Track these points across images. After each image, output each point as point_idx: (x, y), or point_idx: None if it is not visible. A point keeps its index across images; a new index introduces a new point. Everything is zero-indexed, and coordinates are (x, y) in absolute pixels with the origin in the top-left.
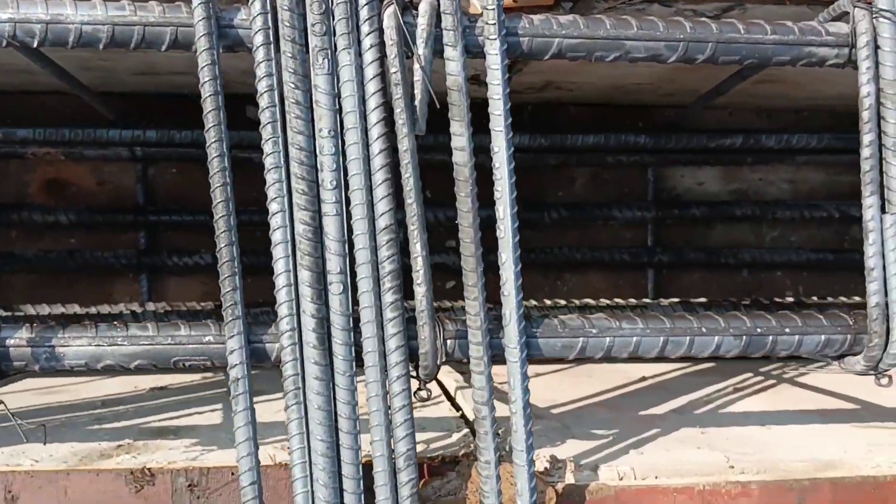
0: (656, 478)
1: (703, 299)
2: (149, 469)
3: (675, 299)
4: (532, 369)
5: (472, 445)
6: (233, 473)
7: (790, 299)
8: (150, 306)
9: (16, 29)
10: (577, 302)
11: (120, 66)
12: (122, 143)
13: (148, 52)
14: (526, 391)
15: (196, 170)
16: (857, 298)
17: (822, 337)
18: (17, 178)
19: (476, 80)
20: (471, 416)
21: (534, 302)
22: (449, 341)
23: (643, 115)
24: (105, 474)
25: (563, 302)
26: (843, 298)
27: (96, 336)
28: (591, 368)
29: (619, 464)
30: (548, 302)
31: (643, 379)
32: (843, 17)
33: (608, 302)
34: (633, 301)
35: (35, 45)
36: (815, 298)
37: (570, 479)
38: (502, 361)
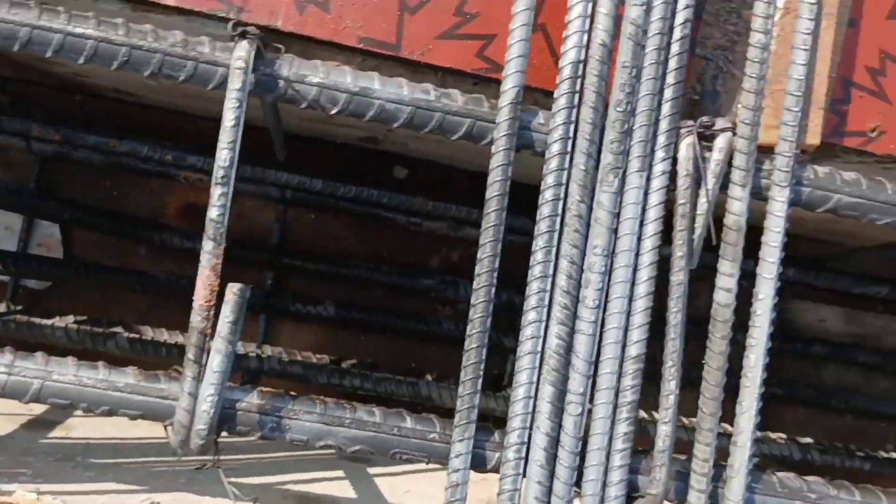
0: None
1: (809, 439)
2: None
3: (782, 435)
4: None
5: None
6: None
7: (894, 454)
8: (267, 349)
9: (321, 94)
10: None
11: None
12: (276, 184)
13: None
14: None
15: (332, 219)
16: None
17: None
18: (158, 196)
19: None
20: None
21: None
22: None
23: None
24: None
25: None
26: None
27: (325, 414)
28: None
29: None
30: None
31: None
32: None
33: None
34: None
35: (348, 113)
36: None
37: None
38: None
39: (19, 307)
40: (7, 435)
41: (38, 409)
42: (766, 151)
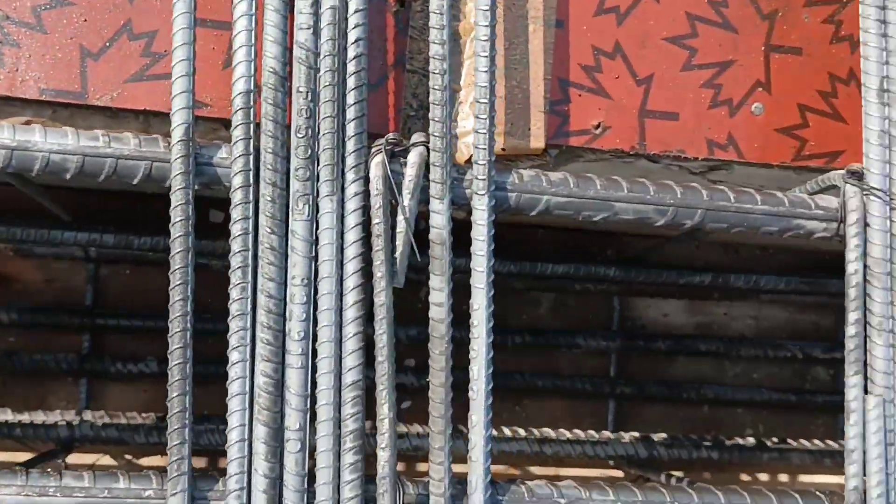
0: None
1: (663, 435)
2: None
3: (635, 433)
4: None
5: None
6: None
7: (751, 439)
8: (88, 415)
9: None
10: (536, 433)
11: None
12: (77, 244)
13: None
14: None
15: (151, 272)
16: (816, 441)
17: None
18: None
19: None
20: None
21: (493, 431)
22: None
23: (613, 243)
24: None
25: (522, 432)
26: (803, 441)
27: (26, 485)
28: None
29: None
30: (506, 430)
31: None
32: (830, 189)
33: (569, 435)
34: (593, 434)
35: (12, 170)
36: (775, 439)
37: None
38: None
39: None
40: None
41: None
42: (500, 160)
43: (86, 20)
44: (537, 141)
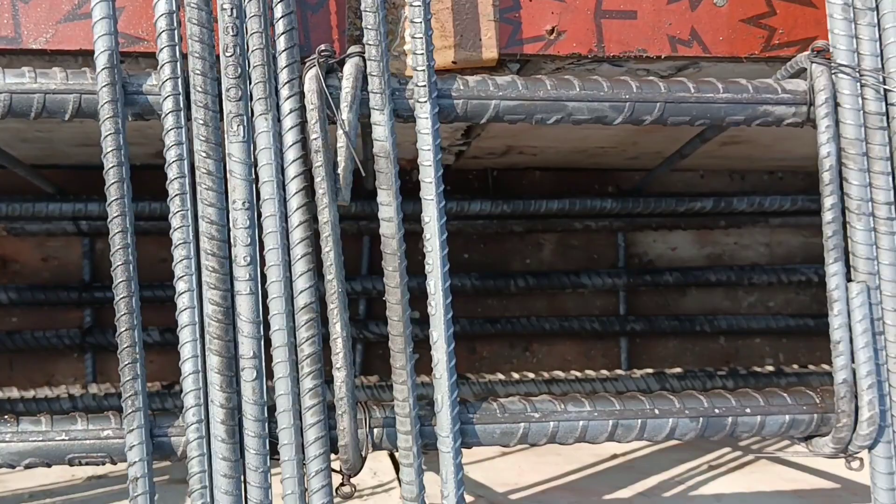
0: None
1: (678, 369)
2: None
3: (649, 370)
4: (497, 449)
5: None
6: None
7: (770, 367)
8: (94, 388)
9: None
10: (545, 375)
11: (56, 136)
12: (64, 217)
13: (84, 123)
14: (460, 484)
15: (145, 241)
16: None
17: (787, 417)
18: None
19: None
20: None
21: (500, 375)
22: (376, 430)
23: (613, 180)
24: None
25: (531, 375)
26: (825, 366)
27: None
28: (560, 446)
29: None
30: (515, 375)
31: (614, 457)
32: (800, 73)
33: (578, 374)
34: (605, 373)
35: None
36: (795, 366)
37: None
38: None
39: None
40: None
41: None
42: (443, 73)
43: None
44: (489, 51)
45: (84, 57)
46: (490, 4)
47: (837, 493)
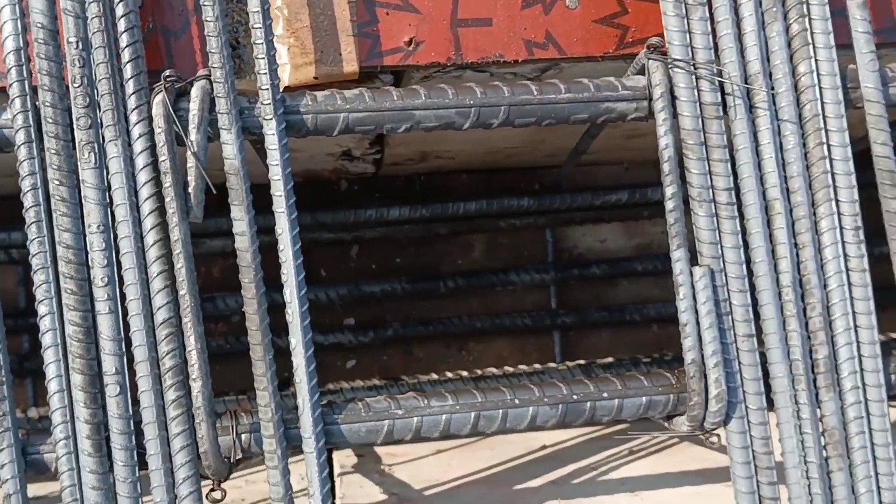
0: None
1: (609, 359)
2: None
3: (581, 361)
4: (433, 446)
5: None
6: None
7: None
8: (33, 412)
9: None
10: (479, 372)
11: None
12: None
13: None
14: (324, 483)
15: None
16: None
17: (644, 399)
18: None
19: (348, 156)
20: None
21: (434, 376)
22: (244, 435)
23: (538, 178)
24: None
25: (464, 373)
26: None
27: None
28: (495, 440)
29: None
30: (449, 374)
31: (542, 448)
32: (643, 70)
33: (511, 369)
34: (537, 366)
35: None
36: None
37: None
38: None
39: None
40: None
41: None
42: (297, 90)
43: None
44: (350, 65)
45: None
46: (348, 20)
47: None
